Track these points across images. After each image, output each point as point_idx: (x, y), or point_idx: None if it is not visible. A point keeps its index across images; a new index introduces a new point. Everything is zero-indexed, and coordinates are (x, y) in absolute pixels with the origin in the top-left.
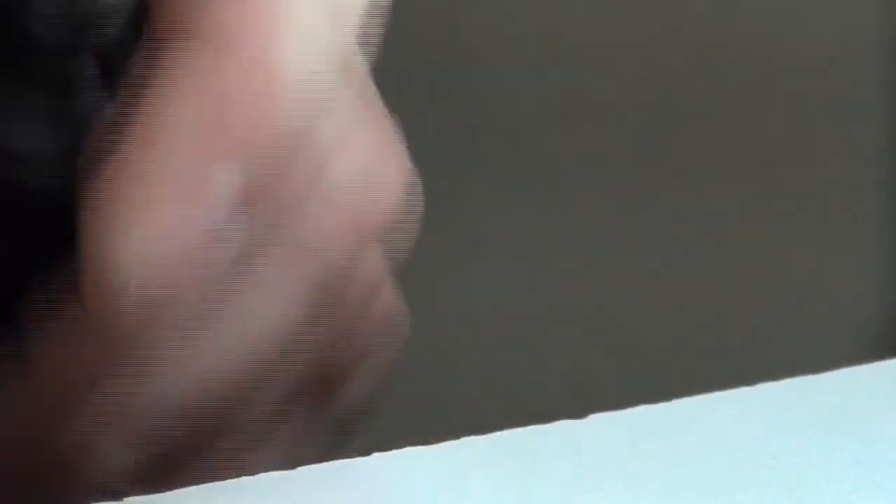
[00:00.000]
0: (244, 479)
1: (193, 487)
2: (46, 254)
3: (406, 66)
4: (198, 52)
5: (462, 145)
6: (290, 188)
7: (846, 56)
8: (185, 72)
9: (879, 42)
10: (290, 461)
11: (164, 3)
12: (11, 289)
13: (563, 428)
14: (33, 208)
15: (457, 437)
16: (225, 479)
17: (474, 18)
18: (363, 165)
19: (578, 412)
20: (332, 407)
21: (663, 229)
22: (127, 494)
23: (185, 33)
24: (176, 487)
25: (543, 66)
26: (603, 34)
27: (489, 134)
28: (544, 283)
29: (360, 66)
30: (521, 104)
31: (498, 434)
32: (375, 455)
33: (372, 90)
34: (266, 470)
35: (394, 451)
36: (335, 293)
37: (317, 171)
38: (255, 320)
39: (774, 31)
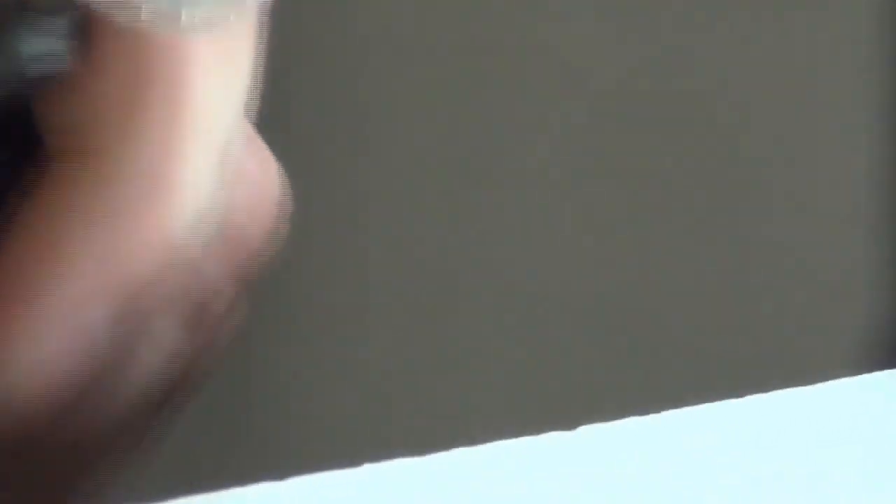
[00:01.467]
0: (234, 490)
1: (183, 499)
2: None
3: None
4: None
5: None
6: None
7: (839, 55)
8: (76, 192)
9: (872, 41)
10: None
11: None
12: None
13: (552, 440)
14: None
15: (448, 448)
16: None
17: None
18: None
19: (568, 424)
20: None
21: (649, 239)
22: None
23: (77, 152)
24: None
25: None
26: (595, 38)
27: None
28: (534, 293)
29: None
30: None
31: (489, 445)
32: (366, 466)
33: (248, 129)
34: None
35: (385, 462)
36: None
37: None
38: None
39: (768, 29)
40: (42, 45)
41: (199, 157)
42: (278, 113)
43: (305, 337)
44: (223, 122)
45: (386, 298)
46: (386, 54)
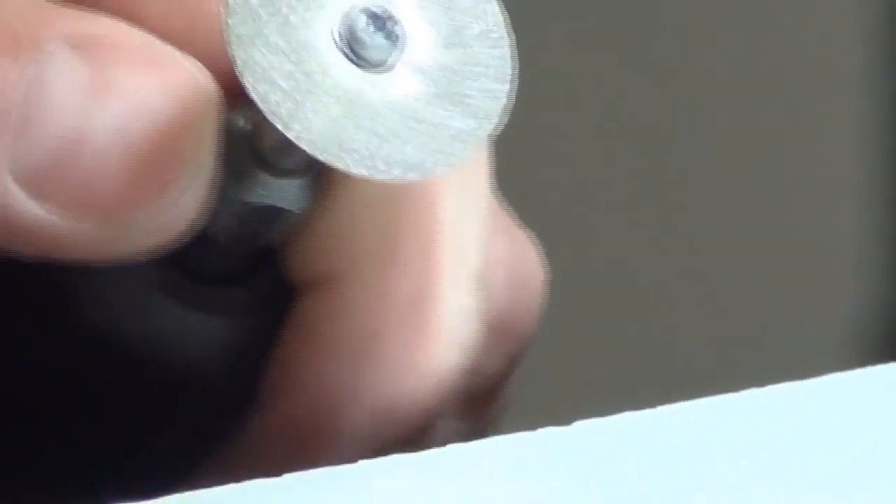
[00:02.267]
0: (231, 486)
1: (178, 496)
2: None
3: None
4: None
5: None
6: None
7: (829, 54)
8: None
9: (863, 41)
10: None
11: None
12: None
13: (547, 435)
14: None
15: (442, 444)
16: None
17: None
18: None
19: (563, 420)
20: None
21: (642, 233)
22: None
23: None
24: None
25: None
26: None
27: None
28: None
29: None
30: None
31: (482, 441)
32: (361, 462)
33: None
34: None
35: (379, 458)
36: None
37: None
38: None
39: (760, 30)
40: (281, 200)
41: (460, 279)
42: None
43: None
44: (476, 241)
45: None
46: None
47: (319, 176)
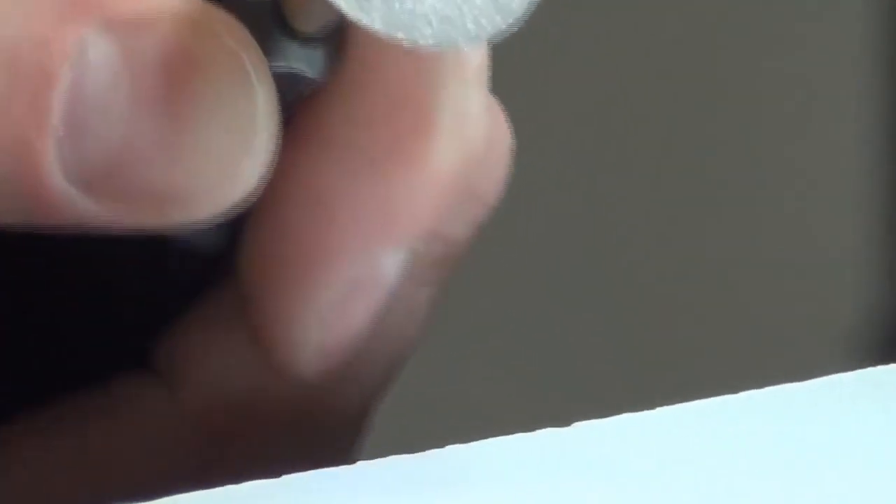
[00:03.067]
0: (228, 487)
1: (178, 496)
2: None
3: None
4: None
5: None
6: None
7: (830, 56)
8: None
9: (863, 42)
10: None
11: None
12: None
13: (546, 437)
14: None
15: (442, 445)
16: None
17: None
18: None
19: (562, 420)
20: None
21: (640, 234)
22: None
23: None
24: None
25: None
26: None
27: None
28: (526, 288)
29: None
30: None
31: (482, 443)
32: (360, 463)
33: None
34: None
35: (378, 460)
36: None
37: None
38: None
39: (762, 31)
40: (305, 67)
41: (459, 74)
42: None
43: None
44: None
45: None
46: None
47: (340, 44)
